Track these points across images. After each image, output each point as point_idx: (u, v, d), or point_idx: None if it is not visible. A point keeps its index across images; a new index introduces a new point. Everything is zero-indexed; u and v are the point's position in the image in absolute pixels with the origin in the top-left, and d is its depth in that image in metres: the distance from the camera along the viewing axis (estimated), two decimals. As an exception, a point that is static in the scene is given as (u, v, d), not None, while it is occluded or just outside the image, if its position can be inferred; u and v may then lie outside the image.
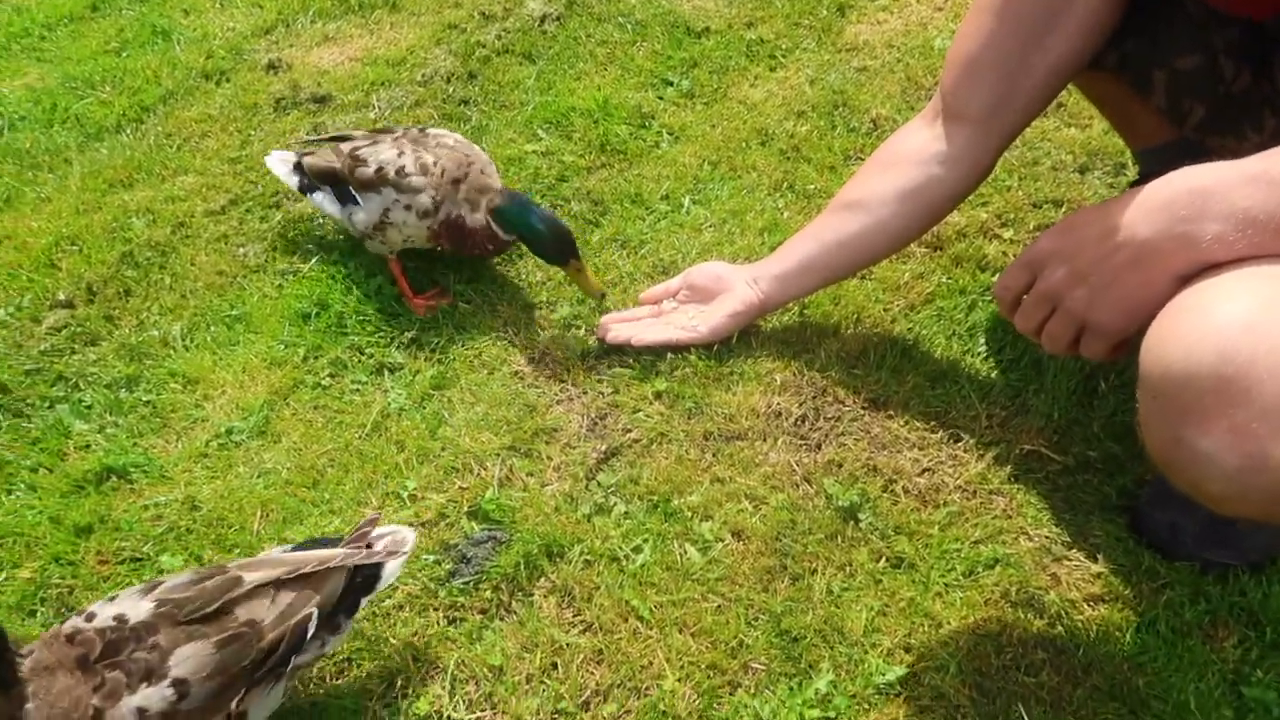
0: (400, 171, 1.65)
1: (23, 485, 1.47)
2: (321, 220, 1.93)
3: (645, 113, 2.14)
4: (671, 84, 2.24)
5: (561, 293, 1.74)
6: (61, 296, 1.78)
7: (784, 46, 2.34)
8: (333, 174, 1.71)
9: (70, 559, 1.36)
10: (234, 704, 1.01)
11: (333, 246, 1.86)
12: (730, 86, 2.23)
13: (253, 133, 2.17)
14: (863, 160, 1.97)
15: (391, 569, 1.14)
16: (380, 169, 1.66)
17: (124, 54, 2.46)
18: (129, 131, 2.20)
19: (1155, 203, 0.94)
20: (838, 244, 1.51)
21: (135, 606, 1.02)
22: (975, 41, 1.33)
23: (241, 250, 1.87)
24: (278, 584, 1.06)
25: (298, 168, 1.79)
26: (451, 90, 2.24)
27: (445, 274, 1.78)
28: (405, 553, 1.15)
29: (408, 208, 1.65)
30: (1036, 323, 1.08)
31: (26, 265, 1.86)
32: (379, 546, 1.15)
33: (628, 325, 1.62)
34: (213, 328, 1.72)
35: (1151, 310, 0.92)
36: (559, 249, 1.61)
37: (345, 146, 1.73)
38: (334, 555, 1.10)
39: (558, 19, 2.46)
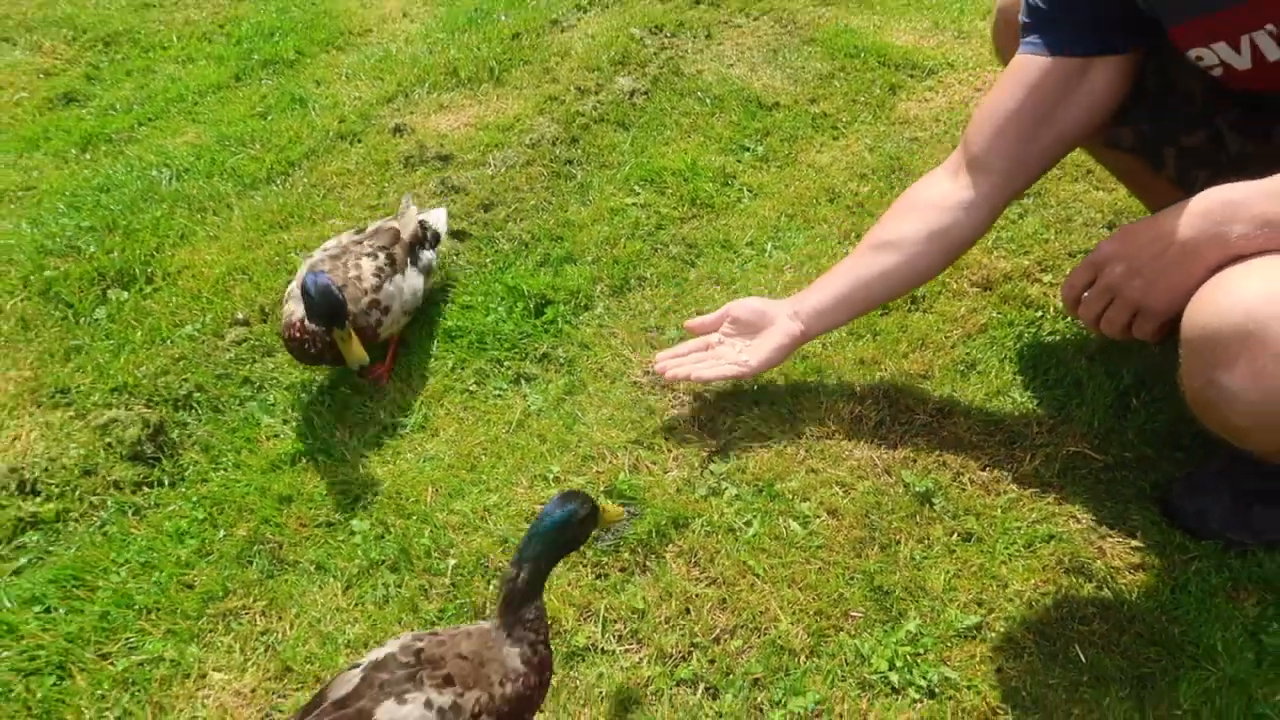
0: (313, 268, 1.78)
1: (229, 464, 1.72)
2: (455, 257, 2.20)
3: (728, 173, 2.42)
4: (748, 149, 2.52)
5: (668, 319, 1.99)
6: (239, 315, 2.05)
7: (844, 119, 2.63)
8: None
9: (277, 521, 1.61)
10: None
11: (468, 280, 2.13)
12: (799, 152, 2.51)
13: (387, 184, 2.46)
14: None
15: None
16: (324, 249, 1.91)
17: (268, 117, 2.78)
18: (279, 182, 2.50)
19: (1195, 211, 1.20)
20: (871, 279, 1.66)
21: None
22: (1003, 109, 1.55)
23: (389, 281, 2.14)
24: None
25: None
26: (558, 152, 2.53)
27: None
28: None
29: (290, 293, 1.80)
30: (1096, 312, 1.32)
31: (205, 291, 2.13)
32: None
33: (683, 363, 1.72)
34: (373, 344, 1.98)
35: (1191, 294, 1.18)
36: (323, 312, 1.65)
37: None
38: None
39: (645, 93, 2.76)
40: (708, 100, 2.72)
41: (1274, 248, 1.15)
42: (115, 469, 1.71)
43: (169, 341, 1.99)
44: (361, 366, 1.71)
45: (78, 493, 1.68)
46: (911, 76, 2.78)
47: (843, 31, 3.00)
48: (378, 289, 1.81)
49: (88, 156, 2.66)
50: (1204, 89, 1.51)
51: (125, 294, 2.13)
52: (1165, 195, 1.82)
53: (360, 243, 1.88)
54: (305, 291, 1.65)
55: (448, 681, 1.04)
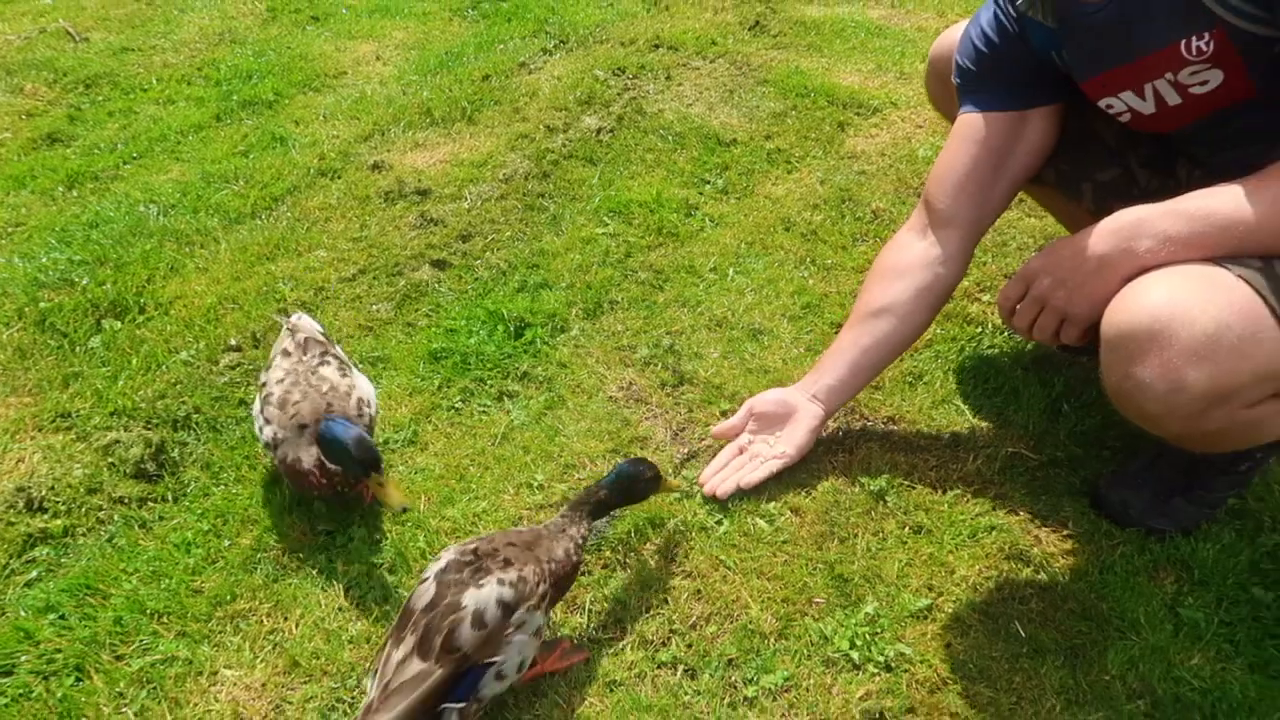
0: (266, 399, 1.70)
1: (230, 479, 1.82)
2: (436, 284, 2.32)
3: (690, 204, 2.58)
4: (709, 182, 2.68)
5: (640, 338, 2.13)
6: (232, 342, 2.15)
7: (797, 154, 2.81)
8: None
9: (279, 530, 1.70)
10: None
11: (450, 306, 2.25)
12: (756, 185, 2.67)
13: (369, 218, 2.58)
14: (868, 241, 2.41)
15: None
16: (263, 385, 1.73)
17: (250, 155, 2.88)
18: (263, 217, 2.60)
19: (1108, 230, 1.37)
20: (874, 346, 1.77)
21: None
22: (960, 166, 1.70)
23: (374, 307, 2.25)
24: None
25: None
26: (530, 186, 2.67)
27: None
28: None
29: (260, 429, 1.70)
30: (1029, 321, 1.48)
31: (197, 319, 2.22)
32: None
33: (728, 475, 1.75)
34: (360, 365, 2.09)
35: (1109, 301, 1.34)
36: (363, 460, 1.54)
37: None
38: None
39: (610, 131, 2.92)
40: (669, 137, 2.88)
41: (1177, 260, 1.32)
42: (120, 486, 1.80)
43: (165, 367, 2.08)
44: (404, 509, 1.58)
45: (84, 509, 1.76)
46: (858, 114, 2.96)
47: (794, 73, 3.19)
48: (352, 386, 1.73)
49: (74, 194, 2.74)
50: (1115, 132, 1.69)
51: (119, 324, 2.22)
52: (1085, 222, 1.98)
53: (303, 360, 1.75)
54: (334, 443, 1.55)
55: (507, 563, 1.34)
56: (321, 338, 1.82)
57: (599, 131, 2.90)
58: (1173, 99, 1.43)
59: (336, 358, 1.79)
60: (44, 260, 2.41)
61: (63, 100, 3.27)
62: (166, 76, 3.40)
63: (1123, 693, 1.43)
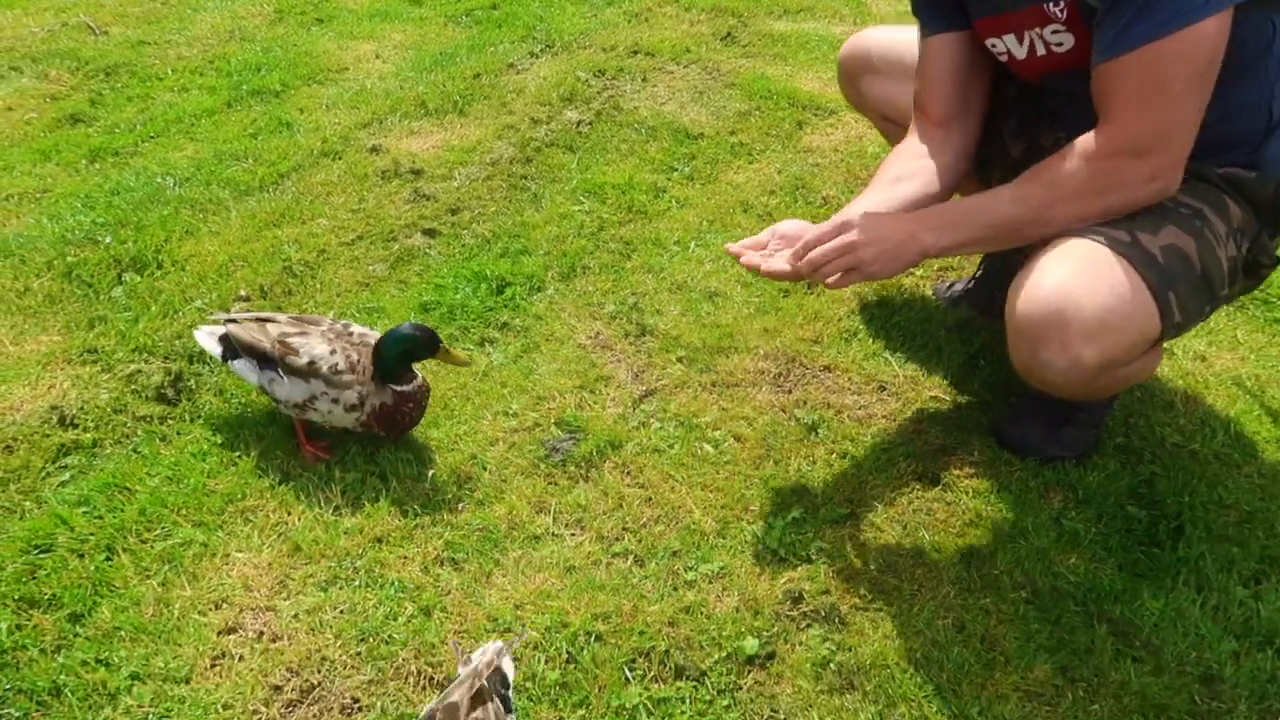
0: (333, 369, 1.77)
1: (240, 404, 2.01)
2: (427, 249, 2.54)
3: (659, 187, 2.81)
4: (676, 170, 2.91)
5: (608, 297, 2.35)
6: (242, 292, 2.36)
7: (758, 148, 3.04)
8: (261, 353, 1.81)
9: (282, 445, 1.90)
10: None
11: (439, 267, 2.46)
12: (720, 173, 2.91)
13: (367, 193, 2.79)
14: (817, 222, 2.64)
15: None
16: (312, 362, 1.78)
17: (258, 138, 3.09)
18: (270, 190, 2.81)
19: (910, 219, 1.59)
20: (905, 205, 1.73)
21: None
22: (939, 74, 1.80)
23: (370, 267, 2.47)
24: None
25: (222, 339, 1.90)
26: (514, 169, 2.89)
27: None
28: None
29: (335, 400, 1.78)
30: (824, 260, 1.55)
31: (210, 274, 2.43)
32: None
33: (756, 254, 1.70)
34: (357, 314, 2.29)
35: (890, 270, 1.57)
36: (430, 342, 1.76)
37: (273, 329, 1.83)
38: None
39: (589, 124, 3.15)
40: (643, 130, 3.11)
41: (957, 245, 1.60)
42: (142, 407, 2.00)
43: (181, 313, 2.28)
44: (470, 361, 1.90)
45: (110, 425, 1.96)
46: (815, 115, 3.20)
47: (759, 78, 3.43)
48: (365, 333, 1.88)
49: (96, 167, 2.94)
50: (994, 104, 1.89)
51: (139, 277, 2.42)
52: (972, 187, 2.15)
53: (331, 327, 1.88)
54: (400, 341, 1.74)
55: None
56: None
57: (579, 124, 3.13)
58: (1040, 50, 1.63)
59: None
60: (70, 221, 2.61)
61: (85, 86, 3.47)
62: (181, 68, 3.61)
63: (1009, 584, 1.65)
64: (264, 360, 1.82)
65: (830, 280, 1.57)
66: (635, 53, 3.69)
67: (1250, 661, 1.53)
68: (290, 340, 1.80)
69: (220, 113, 3.27)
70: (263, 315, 1.90)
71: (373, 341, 1.82)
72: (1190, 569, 1.67)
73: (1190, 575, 1.66)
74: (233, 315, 1.91)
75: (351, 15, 4.12)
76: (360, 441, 1.91)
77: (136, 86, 3.46)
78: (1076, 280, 1.49)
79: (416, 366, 1.84)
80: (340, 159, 2.98)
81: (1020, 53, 1.67)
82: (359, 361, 1.80)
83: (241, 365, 1.86)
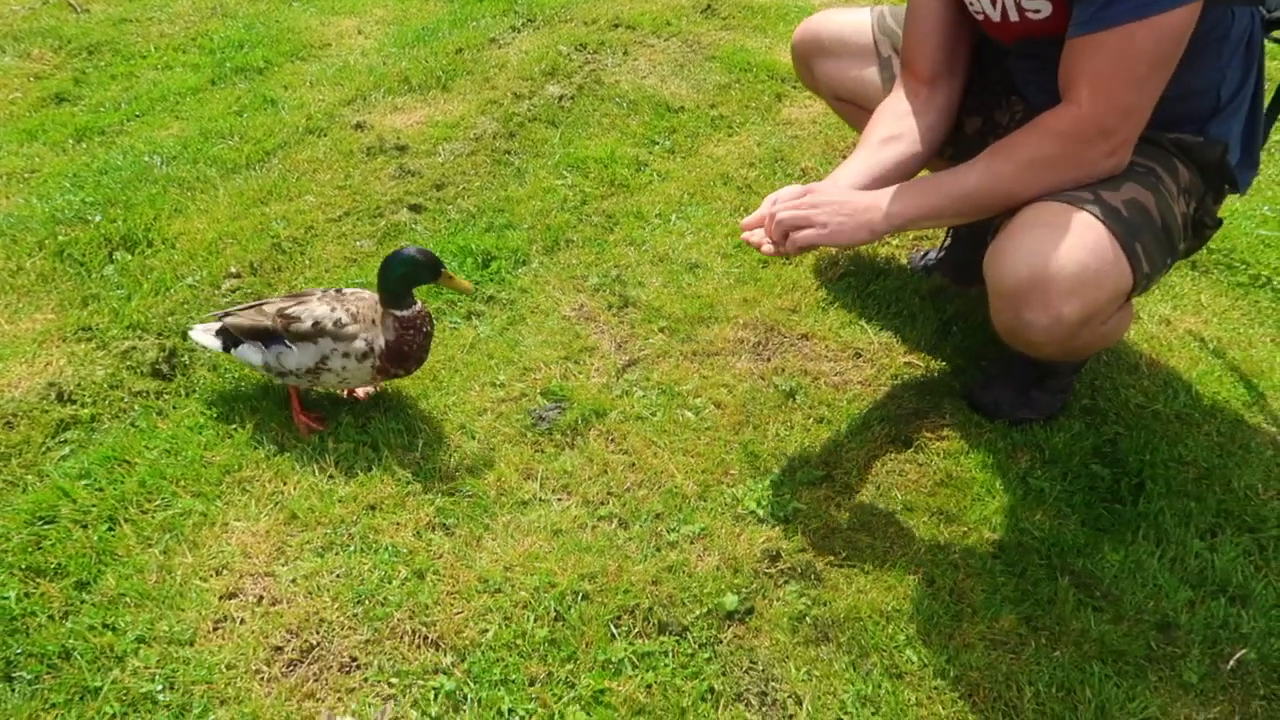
0: (337, 324, 1.82)
1: (234, 379, 2.06)
2: (413, 224, 2.58)
3: (640, 161, 2.85)
4: (658, 143, 2.95)
5: (591, 270, 2.40)
6: (232, 269, 2.39)
7: (738, 120, 3.08)
8: (263, 330, 1.86)
9: (277, 417, 1.95)
10: None
11: (425, 242, 2.50)
12: (700, 146, 2.95)
13: (352, 170, 2.82)
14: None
15: None
16: (317, 322, 1.82)
17: (243, 115, 3.11)
18: (257, 168, 2.84)
19: (863, 194, 1.66)
20: (887, 168, 1.79)
21: None
22: (926, 30, 1.82)
23: (358, 243, 2.50)
24: None
25: (220, 332, 1.94)
26: (498, 144, 2.93)
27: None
28: None
29: (346, 355, 1.82)
30: (790, 222, 1.62)
31: (200, 251, 2.46)
32: None
33: (759, 233, 1.72)
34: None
35: (853, 239, 1.62)
36: (432, 265, 1.80)
37: (269, 308, 1.88)
38: None
39: (571, 98, 3.18)
40: (624, 104, 3.15)
41: (917, 217, 1.64)
42: (138, 383, 2.04)
43: (172, 290, 2.32)
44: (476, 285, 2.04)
45: (108, 400, 2.00)
46: (794, 88, 3.24)
47: (739, 50, 3.47)
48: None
49: (83, 146, 2.96)
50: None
51: (130, 255, 2.45)
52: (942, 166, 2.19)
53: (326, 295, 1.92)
54: (402, 263, 1.77)
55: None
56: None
57: (561, 98, 3.16)
58: (1014, 16, 1.67)
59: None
60: (59, 201, 2.63)
61: (68, 65, 3.47)
62: (164, 45, 3.61)
63: (977, 540, 1.73)
64: (268, 337, 1.87)
65: (789, 244, 1.62)
66: (616, 26, 3.71)
67: (1204, 609, 1.61)
68: (289, 310, 1.85)
69: (205, 90, 3.28)
70: (253, 303, 1.94)
71: (366, 295, 1.87)
72: (1150, 523, 1.75)
73: (1150, 529, 1.74)
74: (226, 311, 1.96)
75: (333, -10, 4.13)
76: (353, 411, 1.96)
77: (120, 65, 3.47)
78: (1051, 242, 1.55)
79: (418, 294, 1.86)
80: (326, 136, 3.00)
81: (994, 15, 1.71)
82: (358, 312, 1.84)
83: (245, 350, 1.91)
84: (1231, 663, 1.53)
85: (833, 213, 1.61)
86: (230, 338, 1.93)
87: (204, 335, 1.98)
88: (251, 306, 1.93)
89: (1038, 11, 1.64)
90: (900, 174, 1.80)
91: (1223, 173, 1.69)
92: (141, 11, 3.89)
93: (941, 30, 1.83)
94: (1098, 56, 1.50)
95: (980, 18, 1.76)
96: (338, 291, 1.92)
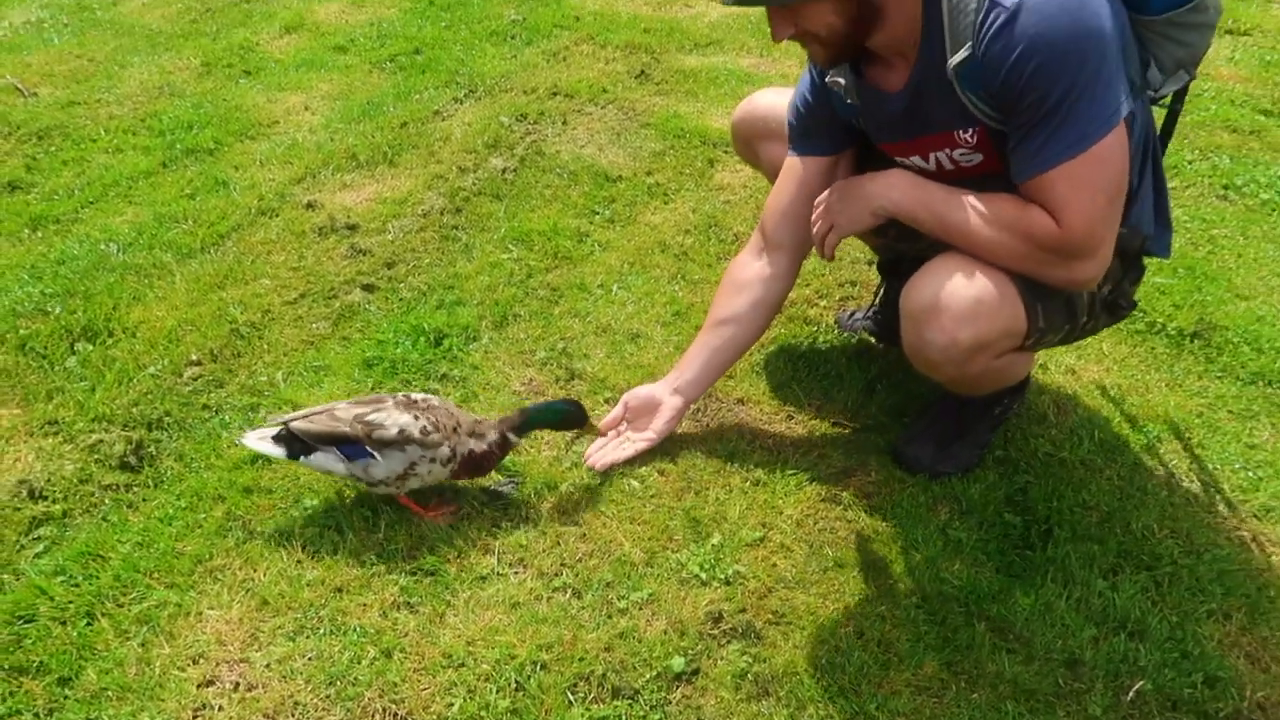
0: (424, 431, 1.90)
1: (201, 467, 2.16)
2: (366, 304, 2.69)
3: (582, 232, 3.00)
4: (598, 213, 3.10)
5: (539, 344, 2.52)
6: (193, 357, 2.49)
7: (673, 187, 3.25)
8: (341, 437, 1.89)
9: (245, 505, 2.05)
10: None
11: (379, 322, 2.62)
12: (638, 214, 3.11)
13: (305, 250, 2.93)
14: (729, 259, 2.85)
15: None
16: (402, 430, 1.89)
17: (196, 198, 3.21)
18: (212, 251, 2.94)
19: (866, 180, 1.87)
20: (723, 348, 2.16)
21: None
22: (786, 200, 2.11)
23: (314, 326, 2.61)
24: None
25: (279, 439, 1.95)
26: (445, 220, 3.06)
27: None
28: None
29: (432, 460, 1.93)
30: (820, 221, 1.97)
31: (161, 340, 2.55)
32: None
33: (605, 452, 2.14)
34: (304, 373, 2.44)
35: (859, 223, 1.90)
36: (580, 416, 2.06)
37: (343, 414, 1.92)
38: None
39: (514, 170, 3.32)
40: (565, 175, 3.30)
41: (908, 203, 1.83)
42: (107, 476, 2.13)
43: (136, 380, 2.41)
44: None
45: (78, 495, 2.08)
46: (726, 153, 3.42)
47: (672, 117, 3.64)
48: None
49: (39, 235, 3.03)
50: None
51: (91, 346, 2.53)
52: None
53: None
54: (553, 414, 2.04)
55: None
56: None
57: (504, 171, 3.31)
58: (948, 166, 1.86)
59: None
60: (19, 293, 2.71)
61: (19, 151, 3.54)
62: (113, 128, 3.69)
63: (901, 591, 1.88)
64: (347, 445, 1.90)
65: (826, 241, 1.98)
66: (555, 94, 3.87)
67: (1107, 645, 1.77)
68: (369, 418, 1.90)
69: (156, 174, 3.37)
70: (319, 409, 1.96)
71: (436, 401, 1.99)
72: (1057, 567, 1.92)
73: (1058, 572, 1.91)
74: (286, 416, 1.97)
75: (278, 66, 4.24)
76: (316, 495, 2.06)
77: (71, 149, 3.54)
78: (961, 277, 1.77)
79: None
80: (278, 216, 3.11)
81: (928, 168, 1.89)
82: (437, 421, 1.93)
83: (321, 458, 1.92)
84: (1130, 694, 1.70)
85: (842, 203, 1.94)
86: (297, 444, 1.94)
87: (263, 443, 1.96)
88: (319, 412, 1.94)
89: (970, 161, 1.82)
90: (731, 356, 2.20)
91: (1140, 257, 1.91)
92: (89, 94, 3.97)
93: (799, 215, 2.09)
94: (1054, 190, 1.65)
95: (916, 170, 1.92)
96: (407, 397, 1.99)
